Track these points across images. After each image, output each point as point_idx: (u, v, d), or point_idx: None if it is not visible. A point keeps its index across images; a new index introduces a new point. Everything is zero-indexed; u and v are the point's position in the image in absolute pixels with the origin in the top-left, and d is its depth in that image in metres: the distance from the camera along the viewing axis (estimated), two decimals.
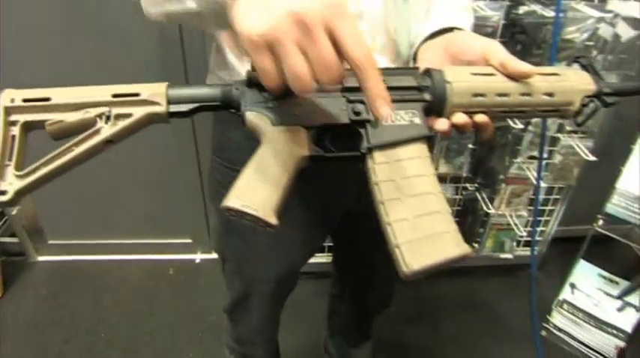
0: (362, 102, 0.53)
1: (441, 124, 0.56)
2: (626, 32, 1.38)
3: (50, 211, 1.85)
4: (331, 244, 1.24)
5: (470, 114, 0.56)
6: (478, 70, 0.57)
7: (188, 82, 1.55)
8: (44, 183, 0.50)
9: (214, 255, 0.97)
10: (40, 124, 0.51)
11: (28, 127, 0.51)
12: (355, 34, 0.42)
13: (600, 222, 1.51)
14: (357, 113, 0.53)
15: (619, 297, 1.55)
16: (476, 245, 1.89)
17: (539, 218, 1.85)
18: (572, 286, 1.66)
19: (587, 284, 1.64)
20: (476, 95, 0.55)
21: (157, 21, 0.64)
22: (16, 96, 0.51)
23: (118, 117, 0.51)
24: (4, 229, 1.95)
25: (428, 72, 0.56)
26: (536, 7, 1.39)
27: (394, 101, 0.53)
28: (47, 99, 0.51)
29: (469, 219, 1.81)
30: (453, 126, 0.56)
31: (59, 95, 0.51)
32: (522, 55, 1.42)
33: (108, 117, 0.51)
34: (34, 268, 1.94)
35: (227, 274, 0.97)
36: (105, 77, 1.55)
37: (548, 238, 1.90)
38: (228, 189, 0.51)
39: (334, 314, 1.37)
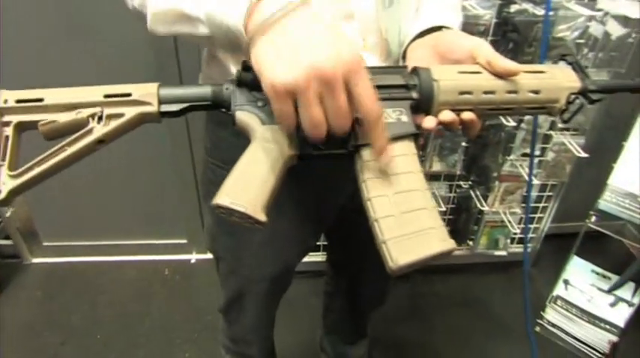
0: None
1: (429, 122, 0.56)
2: (616, 30, 1.39)
3: (44, 213, 1.85)
4: (325, 243, 1.25)
5: (457, 111, 0.57)
6: (465, 69, 0.57)
7: (181, 80, 1.55)
8: (38, 182, 0.51)
9: (210, 255, 0.97)
10: (33, 124, 0.52)
11: (21, 128, 0.52)
12: (369, 90, 0.46)
13: (593, 219, 1.52)
14: None
15: (609, 291, 1.56)
16: (470, 242, 1.90)
17: (532, 215, 1.86)
18: (566, 282, 1.67)
19: (581, 280, 1.65)
20: (462, 93, 0.56)
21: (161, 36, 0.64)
22: (9, 97, 0.52)
23: (110, 117, 0.52)
24: None
25: (415, 70, 0.57)
26: (528, 6, 1.40)
27: (382, 99, 0.54)
28: (40, 100, 0.51)
29: (463, 216, 1.82)
30: (441, 123, 0.57)
31: (52, 96, 0.52)
32: (514, 53, 1.43)
33: (100, 118, 0.52)
34: (28, 270, 1.94)
35: (221, 273, 0.97)
36: (98, 76, 1.56)
37: (541, 235, 1.91)
38: (219, 188, 0.52)
39: (329, 312, 1.38)
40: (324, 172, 0.75)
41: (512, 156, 1.68)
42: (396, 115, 0.55)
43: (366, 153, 0.53)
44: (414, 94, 0.56)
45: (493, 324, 1.77)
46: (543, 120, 1.63)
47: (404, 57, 0.71)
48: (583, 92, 0.59)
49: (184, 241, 1.98)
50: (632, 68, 1.45)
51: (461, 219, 1.83)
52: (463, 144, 1.63)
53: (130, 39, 1.46)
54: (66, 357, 1.60)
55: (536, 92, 0.57)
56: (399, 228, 0.50)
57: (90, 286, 1.87)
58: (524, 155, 1.67)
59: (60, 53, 1.50)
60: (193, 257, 2.00)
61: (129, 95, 0.52)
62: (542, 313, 1.72)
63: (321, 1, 0.64)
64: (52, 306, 1.78)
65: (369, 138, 0.49)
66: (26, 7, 1.42)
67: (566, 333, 1.68)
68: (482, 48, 0.59)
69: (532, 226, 1.90)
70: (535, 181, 1.72)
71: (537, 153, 1.69)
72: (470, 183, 1.77)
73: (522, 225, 1.78)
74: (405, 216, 0.51)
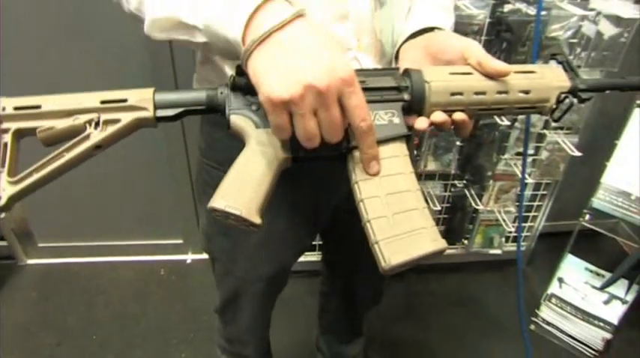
0: None
1: (421, 123, 0.57)
2: (608, 30, 1.40)
3: (40, 214, 1.85)
4: (321, 242, 1.25)
5: (449, 112, 0.57)
6: (456, 70, 0.58)
7: (176, 80, 1.55)
8: (37, 188, 0.52)
9: (205, 256, 0.98)
10: (31, 131, 0.52)
11: (19, 134, 0.53)
12: (361, 105, 0.49)
13: (587, 217, 1.53)
14: None
15: (601, 289, 1.57)
16: (465, 241, 1.91)
17: (527, 214, 1.87)
18: (560, 280, 1.68)
19: (575, 278, 1.66)
20: (454, 94, 0.56)
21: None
22: (7, 104, 0.52)
23: (107, 122, 0.53)
24: None
25: (407, 72, 0.58)
26: (521, 6, 1.41)
27: (374, 101, 0.55)
28: (38, 107, 0.52)
29: (458, 215, 1.83)
30: (433, 124, 0.58)
31: (49, 102, 0.52)
32: (508, 52, 1.44)
33: (97, 123, 0.53)
34: (23, 271, 1.94)
35: (217, 274, 0.97)
36: (94, 77, 1.56)
37: (536, 233, 1.92)
38: (214, 189, 0.52)
39: (325, 312, 1.38)
40: (319, 173, 0.76)
41: (506, 155, 1.69)
42: (388, 117, 0.55)
43: (358, 155, 0.53)
44: (406, 96, 0.56)
45: (488, 323, 1.77)
46: (537, 119, 1.64)
47: (397, 57, 0.72)
48: (573, 91, 0.60)
49: (180, 241, 1.98)
50: (625, 67, 1.46)
51: (456, 218, 1.84)
52: (457, 143, 1.63)
53: (126, 40, 1.46)
54: None
55: (526, 92, 0.58)
56: (391, 228, 0.51)
57: (86, 287, 1.87)
58: (519, 154, 1.68)
59: (56, 53, 1.50)
60: (189, 257, 2.00)
61: (125, 101, 0.53)
62: (536, 311, 1.73)
63: (317, 2, 0.65)
64: (47, 307, 1.78)
65: (360, 147, 0.52)
66: (24, 8, 1.42)
67: (561, 331, 1.69)
68: (473, 49, 0.59)
69: (526, 225, 1.91)
70: (529, 180, 1.73)
71: (531, 152, 1.70)
72: (464, 182, 1.78)
73: (517, 224, 1.79)
74: (397, 217, 0.51)
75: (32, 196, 0.52)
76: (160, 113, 0.54)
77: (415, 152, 1.61)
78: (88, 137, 0.52)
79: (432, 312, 1.81)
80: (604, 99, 1.53)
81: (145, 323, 1.72)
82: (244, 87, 0.53)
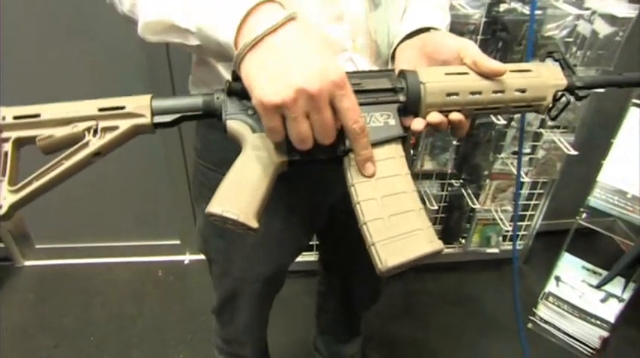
0: None
1: (417, 124, 0.57)
2: (603, 29, 1.41)
3: (37, 215, 1.84)
4: (318, 242, 1.25)
5: (445, 112, 0.57)
6: (452, 70, 0.58)
7: (173, 81, 1.55)
8: (37, 196, 0.52)
9: (203, 256, 0.98)
10: (31, 140, 0.53)
11: (20, 143, 0.53)
12: (353, 107, 0.49)
13: (583, 216, 1.53)
14: None
15: (597, 287, 1.57)
16: (462, 240, 1.91)
17: (524, 212, 1.87)
18: (557, 279, 1.69)
19: (572, 277, 1.66)
20: (449, 94, 0.56)
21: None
22: (7, 113, 0.53)
23: (105, 130, 0.53)
24: None
25: (403, 73, 0.58)
26: (517, 5, 1.41)
27: (369, 103, 0.55)
28: (37, 116, 0.53)
29: (455, 214, 1.83)
30: (429, 125, 0.58)
31: (48, 111, 0.53)
32: (504, 51, 1.44)
33: (95, 131, 0.53)
34: (20, 273, 1.93)
35: (214, 275, 0.97)
36: (91, 78, 1.55)
37: (533, 232, 1.93)
38: (212, 191, 0.53)
39: (322, 312, 1.38)
40: (315, 174, 0.76)
41: (502, 155, 1.69)
42: (384, 119, 0.55)
43: (354, 158, 0.53)
44: (401, 97, 0.56)
45: (486, 321, 1.78)
46: (533, 118, 1.64)
47: (393, 58, 0.72)
48: (569, 89, 0.60)
49: (177, 242, 1.97)
50: (620, 66, 1.47)
51: (453, 218, 1.84)
52: (454, 142, 1.64)
53: (122, 41, 1.45)
54: None
55: (522, 91, 0.58)
56: (387, 230, 0.51)
57: (83, 288, 1.86)
58: (515, 153, 1.69)
59: (53, 54, 1.50)
60: (186, 258, 2.00)
61: (123, 108, 0.54)
62: (534, 310, 1.73)
63: (311, 3, 0.65)
64: (44, 309, 1.78)
65: (354, 149, 0.53)
66: (21, 9, 1.41)
67: (558, 329, 1.69)
68: (469, 48, 0.59)
69: (523, 223, 1.91)
70: (526, 179, 1.73)
71: (528, 151, 1.70)
72: (461, 181, 1.79)
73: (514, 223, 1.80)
74: (394, 219, 0.52)
75: None
76: (158, 119, 0.54)
77: (412, 151, 1.61)
78: (86, 144, 0.53)
79: (430, 311, 1.81)
80: (600, 97, 1.54)
81: (143, 324, 1.72)
82: (240, 92, 0.53)
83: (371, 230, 0.51)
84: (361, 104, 0.52)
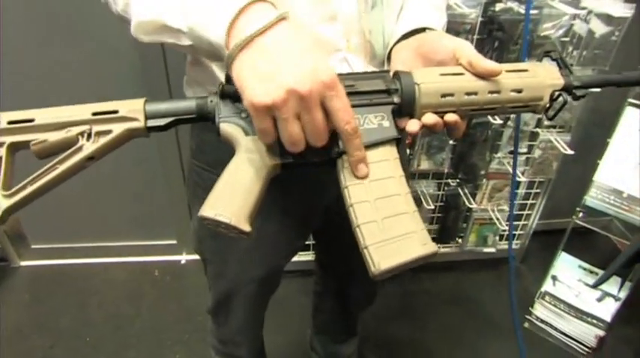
0: None
1: (412, 126, 0.57)
2: (599, 28, 1.41)
3: (32, 215, 1.83)
4: (314, 242, 1.25)
5: (440, 113, 0.57)
6: (447, 71, 0.58)
7: (169, 80, 1.54)
8: (31, 201, 0.52)
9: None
10: (25, 145, 0.53)
11: (14, 148, 0.53)
12: (344, 108, 0.49)
13: (580, 215, 1.53)
14: None
15: (594, 286, 1.57)
16: (459, 240, 1.91)
17: (520, 212, 1.87)
18: (554, 278, 1.69)
19: (568, 276, 1.67)
20: (444, 95, 0.56)
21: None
22: (1, 118, 0.53)
23: (99, 134, 0.53)
24: None
25: (397, 74, 0.57)
26: (513, 4, 1.41)
27: (363, 105, 0.54)
28: (31, 121, 0.53)
29: (452, 214, 1.83)
30: (424, 126, 0.57)
31: (42, 116, 0.53)
32: (500, 51, 1.44)
33: (89, 135, 0.53)
34: (16, 273, 1.93)
35: (209, 276, 0.97)
36: (86, 79, 1.54)
37: (529, 231, 1.93)
38: (207, 191, 0.53)
39: (319, 312, 1.38)
40: (309, 177, 0.76)
41: (499, 154, 1.69)
42: (378, 121, 0.55)
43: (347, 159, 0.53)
44: (396, 99, 0.56)
45: (482, 321, 1.78)
46: (530, 117, 1.64)
47: (389, 58, 0.72)
48: (567, 89, 0.59)
49: (174, 242, 1.97)
50: (616, 66, 1.47)
51: (449, 217, 1.84)
52: (451, 142, 1.64)
53: (118, 40, 1.45)
54: None
55: (518, 91, 0.58)
56: (380, 233, 0.51)
57: (79, 288, 1.86)
58: (512, 152, 1.69)
59: (49, 53, 1.49)
60: (183, 258, 2.00)
61: (116, 112, 0.53)
62: (530, 309, 1.73)
63: (304, 3, 0.64)
64: (40, 309, 1.77)
65: (346, 150, 0.52)
66: (16, 9, 1.41)
67: (555, 329, 1.70)
68: (465, 49, 0.59)
69: (520, 223, 1.91)
70: (522, 178, 1.73)
71: (524, 150, 1.70)
72: (458, 180, 1.79)
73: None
74: (387, 221, 0.51)
75: None
76: (151, 123, 0.54)
77: (408, 151, 1.61)
78: (80, 149, 0.53)
79: (427, 311, 1.81)
80: (596, 97, 1.54)
81: (139, 324, 1.72)
82: (233, 94, 0.53)
83: (364, 232, 0.51)
84: (355, 106, 0.52)
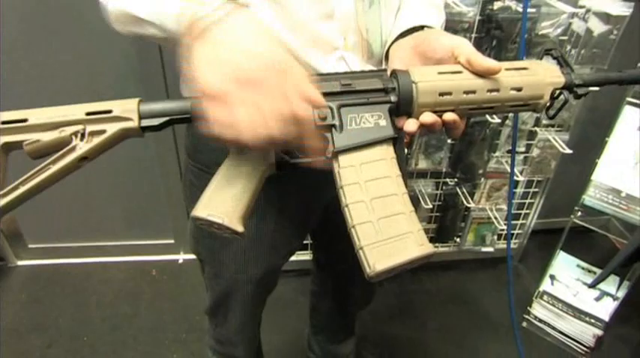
0: (327, 107, 0.53)
1: (410, 125, 0.56)
2: (597, 27, 1.40)
3: (29, 214, 1.83)
4: (312, 241, 1.25)
5: (438, 112, 0.57)
6: (445, 69, 0.57)
7: (165, 80, 1.53)
8: (23, 201, 0.52)
9: None
10: (18, 145, 0.52)
11: (7, 148, 0.53)
12: (298, 91, 0.47)
13: (578, 214, 1.53)
14: (323, 118, 0.53)
15: (591, 286, 1.57)
16: (457, 239, 1.91)
17: (519, 211, 1.87)
18: (552, 277, 1.69)
19: (567, 275, 1.67)
20: (442, 94, 0.55)
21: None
22: None
23: (93, 134, 0.53)
24: None
25: (394, 73, 0.57)
26: (511, 3, 1.41)
27: (360, 104, 0.54)
28: (24, 121, 0.52)
29: (450, 213, 1.83)
30: (422, 125, 0.57)
31: (36, 115, 0.52)
32: (498, 50, 1.44)
33: (83, 135, 0.53)
34: (13, 273, 1.92)
35: (206, 276, 0.96)
36: (86, 84, 1.53)
37: (527, 231, 1.92)
38: (202, 192, 0.52)
39: (316, 312, 1.38)
40: (306, 175, 0.75)
41: (497, 153, 1.69)
42: (374, 120, 0.54)
43: (343, 159, 0.53)
44: (393, 97, 0.56)
45: (481, 320, 1.78)
46: (528, 116, 1.64)
47: (387, 57, 0.71)
48: (568, 87, 0.58)
49: (171, 241, 1.96)
50: (614, 65, 1.46)
51: (447, 216, 1.84)
52: (449, 141, 1.64)
53: (115, 40, 1.44)
54: None
55: (518, 89, 0.57)
56: (376, 234, 0.50)
57: (76, 288, 1.85)
58: (510, 152, 1.68)
59: (46, 54, 1.48)
60: (181, 257, 1.99)
61: (110, 112, 0.53)
62: (528, 308, 1.73)
63: (301, 0, 0.64)
64: (37, 309, 1.76)
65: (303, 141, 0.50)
66: (14, 10, 1.40)
67: (553, 328, 1.70)
68: (463, 47, 0.58)
69: (518, 222, 1.91)
70: (520, 178, 1.73)
71: (522, 149, 1.70)
72: (456, 180, 1.78)
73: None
74: (383, 222, 0.51)
75: None
76: (145, 123, 0.54)
77: (406, 150, 1.61)
78: (74, 149, 0.52)
79: (425, 310, 1.81)
80: (595, 96, 1.53)
81: (137, 324, 1.71)
82: None
83: (359, 233, 0.50)
84: (351, 105, 0.52)
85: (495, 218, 1.80)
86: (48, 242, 1.93)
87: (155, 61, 1.49)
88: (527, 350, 1.51)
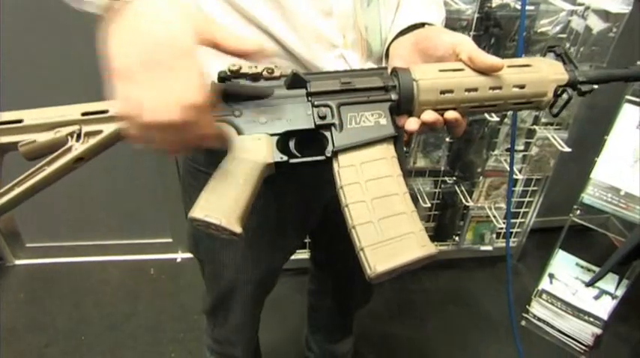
0: (327, 105, 0.53)
1: (411, 124, 0.56)
2: (597, 25, 1.40)
3: (27, 214, 1.82)
4: (310, 241, 1.24)
5: (440, 111, 0.56)
6: (447, 66, 0.56)
7: None
8: (19, 203, 0.51)
9: None
10: (14, 146, 0.52)
11: (2, 150, 0.52)
12: (184, 85, 0.45)
13: (577, 213, 1.53)
14: (323, 117, 0.53)
15: (588, 285, 1.57)
16: (456, 238, 1.91)
17: (517, 209, 1.87)
18: (551, 276, 1.68)
19: (566, 274, 1.66)
20: (444, 92, 0.55)
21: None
22: None
23: (89, 134, 0.52)
24: None
25: (395, 71, 0.56)
26: (509, 0, 1.40)
27: (360, 102, 0.53)
28: (20, 121, 0.52)
29: (448, 212, 1.83)
30: (424, 124, 0.56)
31: (31, 116, 0.52)
32: (496, 47, 1.43)
33: (78, 136, 0.52)
34: (11, 272, 1.91)
35: (205, 277, 0.96)
36: (85, 84, 1.52)
37: (526, 229, 1.92)
38: (200, 192, 0.51)
39: (314, 311, 1.37)
40: (305, 175, 0.75)
41: (496, 152, 1.69)
42: (374, 118, 0.54)
43: (343, 158, 0.52)
44: (393, 96, 0.55)
45: (480, 319, 1.77)
46: (527, 114, 1.64)
47: (387, 55, 0.71)
48: (572, 84, 0.58)
49: (169, 240, 1.96)
50: (613, 62, 1.46)
51: (446, 215, 1.84)
52: (447, 139, 1.63)
53: None
54: None
55: (521, 87, 0.56)
56: (377, 234, 0.50)
57: (74, 287, 1.85)
58: (509, 150, 1.68)
59: (45, 54, 1.48)
60: (179, 256, 1.99)
61: (106, 112, 0.52)
62: (527, 307, 1.73)
63: None
64: (35, 308, 1.76)
65: None
66: (14, 9, 1.39)
67: (552, 327, 1.69)
68: (465, 43, 0.58)
69: (517, 221, 1.91)
70: (519, 176, 1.73)
71: (521, 147, 1.70)
72: (454, 178, 1.78)
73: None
74: (384, 222, 0.50)
75: None
76: None
77: (405, 149, 1.60)
78: (69, 150, 0.52)
79: (424, 309, 1.81)
80: (594, 94, 1.51)
81: (135, 323, 1.70)
82: (226, 93, 0.52)
83: (360, 234, 0.50)
84: (351, 103, 0.51)
85: (494, 216, 1.79)
86: (46, 241, 1.92)
87: None
88: (527, 348, 1.51)
